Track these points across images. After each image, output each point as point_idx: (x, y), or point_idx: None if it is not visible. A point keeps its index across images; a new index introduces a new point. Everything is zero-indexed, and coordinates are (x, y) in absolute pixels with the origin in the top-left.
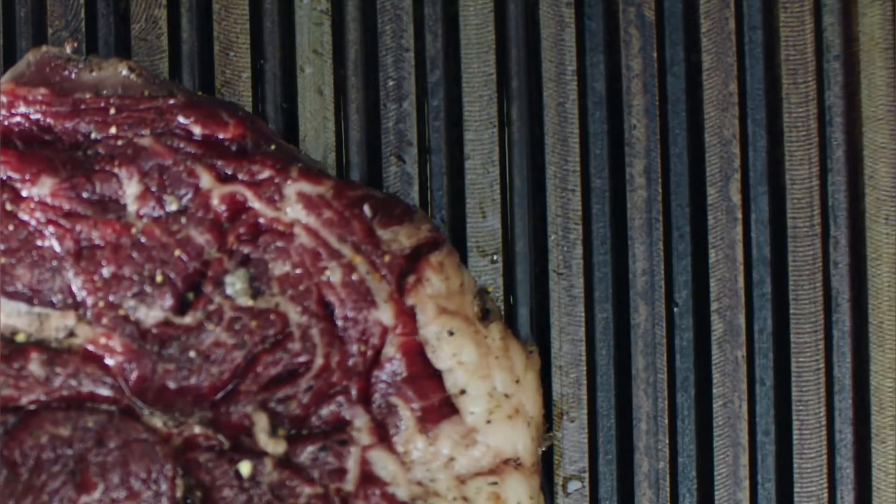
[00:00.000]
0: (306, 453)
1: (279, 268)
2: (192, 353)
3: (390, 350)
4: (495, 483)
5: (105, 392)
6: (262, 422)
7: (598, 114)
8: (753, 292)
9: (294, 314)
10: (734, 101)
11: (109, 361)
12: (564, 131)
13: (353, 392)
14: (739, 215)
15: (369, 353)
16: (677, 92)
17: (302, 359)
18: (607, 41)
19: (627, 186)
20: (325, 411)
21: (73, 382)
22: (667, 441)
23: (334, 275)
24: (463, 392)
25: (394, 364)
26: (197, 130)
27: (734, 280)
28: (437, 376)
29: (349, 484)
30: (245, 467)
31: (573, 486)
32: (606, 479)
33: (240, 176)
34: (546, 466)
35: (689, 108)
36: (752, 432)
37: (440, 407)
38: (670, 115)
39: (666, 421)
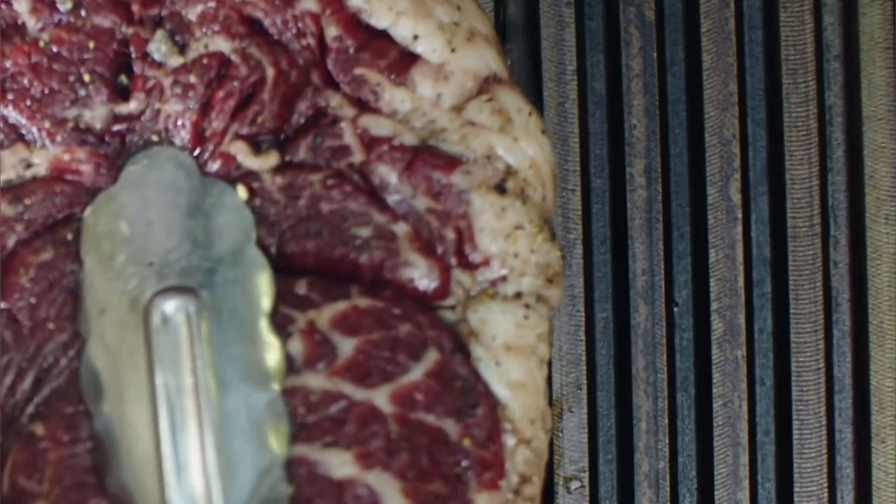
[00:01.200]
0: (302, 149)
1: (192, 11)
2: (152, 137)
3: (331, 32)
4: (489, 100)
5: (81, 210)
6: (242, 149)
7: (598, 114)
8: (753, 292)
9: (226, 45)
10: (734, 101)
11: (79, 177)
12: (564, 131)
13: (317, 80)
14: (739, 215)
15: (312, 42)
16: (677, 92)
17: (254, 78)
18: (607, 41)
19: (627, 186)
20: (300, 108)
21: (48, 205)
22: (667, 441)
23: None
24: (415, 37)
25: (340, 42)
26: None
27: (734, 280)
28: (384, 35)
29: (357, 155)
30: (240, 191)
31: (573, 485)
32: (606, 479)
33: None
34: (546, 466)
35: (689, 108)
36: (752, 432)
37: (402, 59)
38: (670, 115)
39: (666, 421)
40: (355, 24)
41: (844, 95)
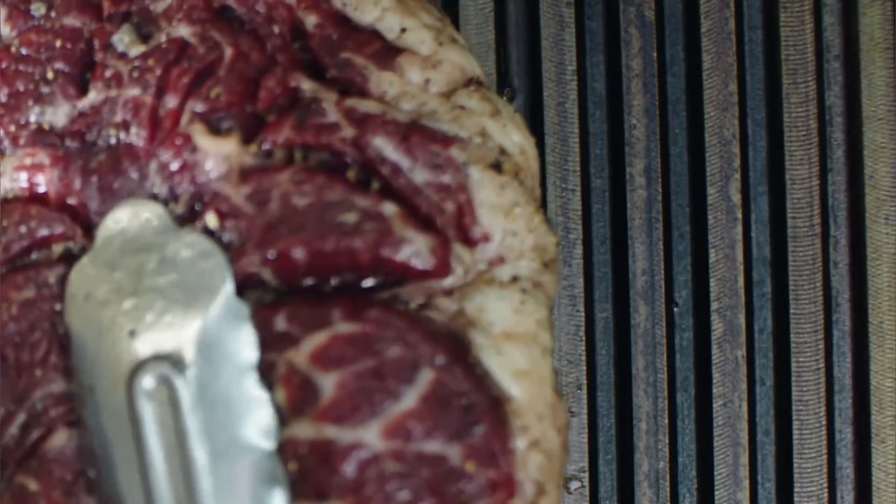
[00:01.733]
0: (286, 129)
1: (160, 4)
2: (110, 131)
3: (311, 20)
4: (477, 90)
5: (59, 230)
6: (198, 130)
7: (598, 114)
8: (753, 292)
9: (187, 31)
10: (734, 101)
11: (44, 184)
12: (564, 131)
13: (284, 61)
14: (739, 215)
15: (284, 30)
16: (677, 92)
17: (211, 57)
18: (607, 41)
19: (627, 186)
20: (267, 84)
21: (24, 229)
22: (667, 441)
23: None
24: (403, 30)
25: (322, 29)
26: None
27: (734, 280)
28: (369, 31)
29: (346, 130)
30: (210, 219)
31: (573, 485)
32: (606, 479)
33: None
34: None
35: (689, 108)
36: (752, 432)
37: (387, 50)
38: (670, 115)
39: (666, 421)
40: (337, 19)
41: (844, 95)
